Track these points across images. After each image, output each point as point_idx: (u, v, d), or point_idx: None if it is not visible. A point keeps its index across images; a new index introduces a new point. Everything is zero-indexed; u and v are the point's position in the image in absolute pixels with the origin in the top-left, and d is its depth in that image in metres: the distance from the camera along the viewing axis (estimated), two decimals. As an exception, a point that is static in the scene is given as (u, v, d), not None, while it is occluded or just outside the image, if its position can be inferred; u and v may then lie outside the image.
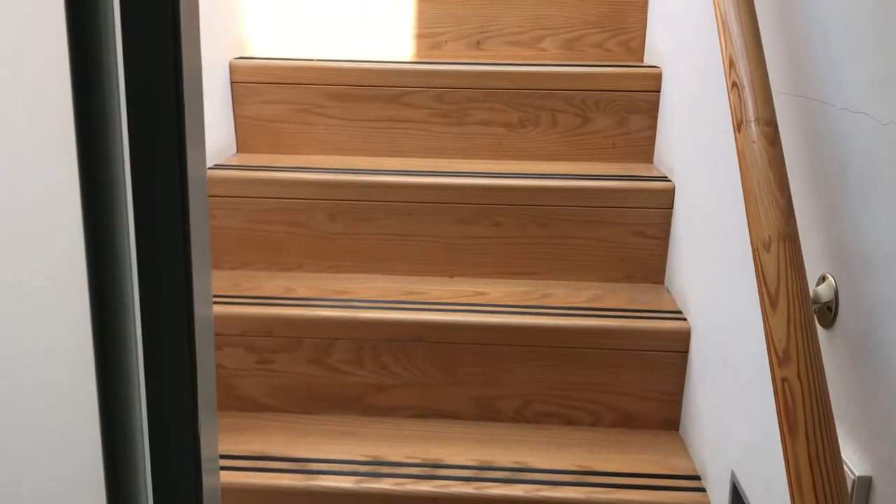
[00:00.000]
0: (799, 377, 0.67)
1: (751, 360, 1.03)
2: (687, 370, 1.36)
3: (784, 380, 0.68)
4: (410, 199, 1.53)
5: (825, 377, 0.68)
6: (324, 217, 1.55)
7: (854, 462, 0.73)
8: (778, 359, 0.69)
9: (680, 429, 1.39)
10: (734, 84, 0.84)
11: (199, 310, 0.48)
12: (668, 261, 1.53)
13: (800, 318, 0.70)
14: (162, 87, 0.45)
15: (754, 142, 0.79)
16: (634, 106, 1.67)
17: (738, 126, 0.82)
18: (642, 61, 1.88)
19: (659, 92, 1.65)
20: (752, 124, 0.80)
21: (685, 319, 1.37)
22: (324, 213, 1.54)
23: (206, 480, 0.50)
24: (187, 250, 0.46)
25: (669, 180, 1.52)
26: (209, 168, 1.56)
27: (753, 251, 0.76)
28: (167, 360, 0.47)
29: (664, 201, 1.51)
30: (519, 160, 1.71)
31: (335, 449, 1.30)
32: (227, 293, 1.46)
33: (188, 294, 0.46)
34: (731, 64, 0.86)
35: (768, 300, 0.72)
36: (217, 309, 1.39)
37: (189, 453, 0.48)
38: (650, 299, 1.47)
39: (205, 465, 0.50)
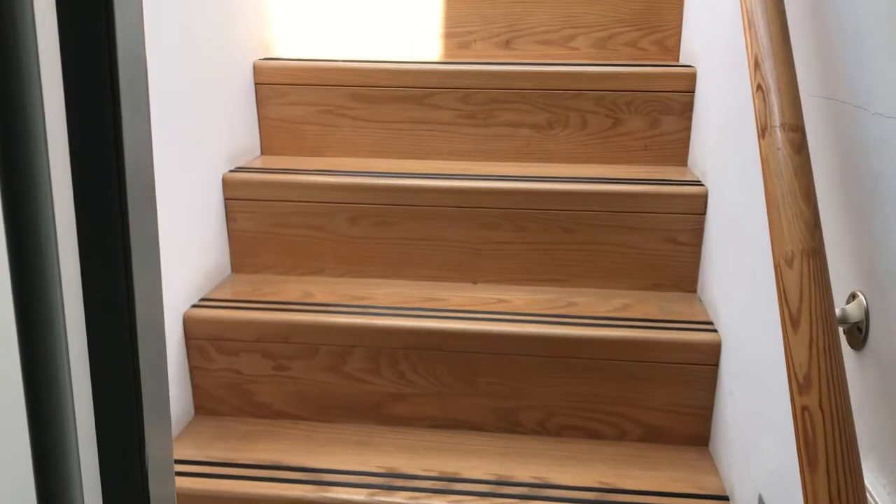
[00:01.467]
0: (821, 406, 0.62)
1: (780, 378, 0.97)
2: (717, 384, 1.30)
3: (804, 408, 0.63)
4: (433, 202, 1.49)
5: (850, 406, 0.62)
6: (344, 221, 1.52)
7: (883, 498, 0.67)
8: (798, 384, 0.64)
9: (709, 445, 1.33)
10: (759, 87, 0.79)
11: (142, 310, 0.45)
12: (701, 269, 1.47)
13: (823, 342, 0.64)
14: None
15: (779, 149, 0.74)
16: (668, 107, 1.60)
17: (763, 132, 0.77)
18: (678, 61, 1.82)
19: (693, 92, 1.59)
20: (777, 130, 0.75)
21: (716, 331, 1.31)
22: (344, 216, 1.51)
23: (157, 489, 0.47)
24: (127, 246, 0.42)
25: (702, 185, 1.46)
26: (231, 171, 1.54)
27: (775, 266, 0.70)
28: (106, 364, 0.44)
29: (697, 207, 1.44)
30: (547, 163, 1.66)
31: (350, 459, 1.27)
32: (245, 298, 1.44)
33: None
34: (757, 65, 0.80)
35: (789, 320, 0.66)
36: (234, 314, 1.37)
37: (133, 460, 0.45)
38: (680, 309, 1.41)
39: (154, 473, 0.47)
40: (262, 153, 1.72)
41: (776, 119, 0.75)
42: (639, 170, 1.60)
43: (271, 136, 1.71)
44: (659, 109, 1.61)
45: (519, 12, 1.83)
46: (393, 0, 1.85)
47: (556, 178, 1.50)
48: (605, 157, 1.65)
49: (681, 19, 1.79)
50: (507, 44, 1.85)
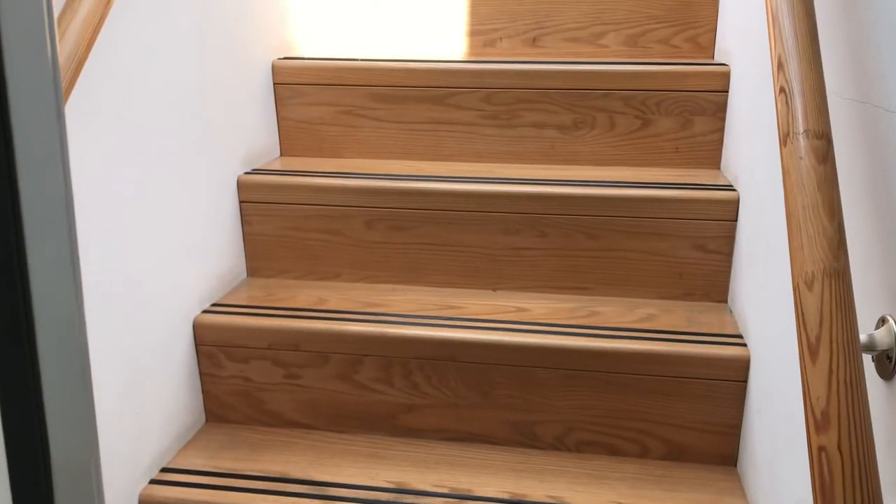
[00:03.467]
0: (839, 447, 0.56)
1: (808, 402, 0.90)
2: (746, 401, 1.23)
3: (821, 448, 0.56)
4: (451, 206, 1.44)
5: (873, 449, 0.56)
6: (361, 225, 1.48)
7: (912, 547, 0.61)
8: (815, 421, 0.58)
9: (738, 465, 1.26)
10: (782, 89, 0.72)
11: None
12: (732, 278, 1.40)
13: (845, 374, 0.58)
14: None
15: (801, 158, 0.67)
16: (700, 107, 1.53)
17: (784, 139, 0.70)
18: (712, 59, 1.74)
19: (727, 92, 1.51)
20: (801, 137, 0.68)
21: (745, 345, 1.24)
22: (360, 220, 1.47)
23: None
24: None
25: (734, 190, 1.39)
26: (246, 173, 1.51)
27: (794, 288, 0.64)
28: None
29: (728, 213, 1.37)
30: (572, 165, 1.60)
31: (359, 472, 1.23)
32: (257, 303, 1.40)
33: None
34: (780, 66, 0.74)
35: (807, 349, 0.60)
36: (245, 321, 1.34)
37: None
38: (709, 321, 1.34)
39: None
40: (281, 154, 1.69)
41: (799, 125, 0.69)
42: (669, 173, 1.53)
43: (290, 137, 1.68)
44: (691, 110, 1.54)
45: (547, 9, 1.77)
46: (417, -3, 1.81)
47: (579, 182, 1.44)
48: (634, 160, 1.59)
49: (716, 15, 1.72)
50: (534, 41, 1.79)
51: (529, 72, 1.57)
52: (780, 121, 0.72)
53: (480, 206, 1.44)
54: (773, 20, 0.77)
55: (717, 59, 1.71)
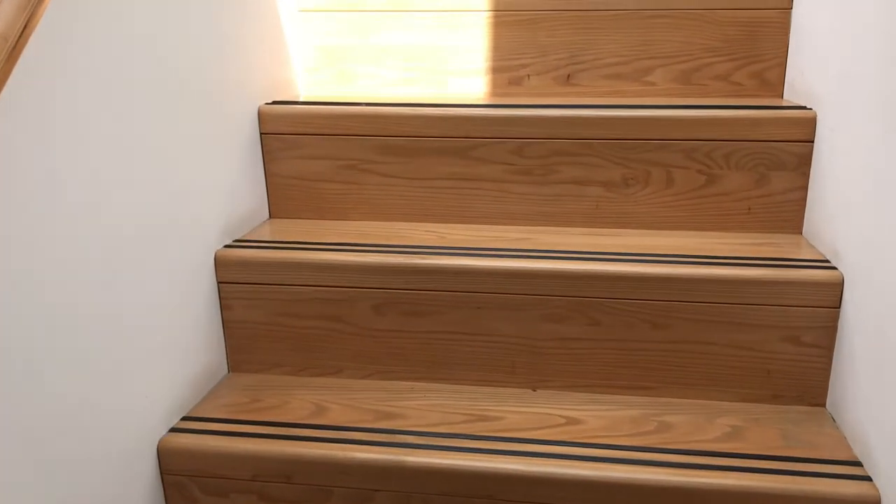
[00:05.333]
0: None
1: None
2: (872, 552, 0.95)
3: None
4: (481, 287, 1.17)
5: None
6: (368, 309, 1.20)
7: None
8: None
9: None
10: None
11: None
12: (833, 377, 1.12)
13: None
14: None
15: None
16: (777, 160, 1.26)
17: None
18: (781, 97, 1.47)
19: (812, 142, 1.24)
20: None
21: (869, 478, 0.96)
22: (368, 303, 1.20)
23: None
24: None
25: (834, 268, 1.11)
26: (226, 246, 1.24)
27: None
28: None
29: (828, 298, 1.10)
30: (622, 228, 1.33)
31: None
32: (239, 416, 1.12)
33: None
34: None
35: None
36: (224, 443, 1.06)
37: None
38: (810, 437, 1.06)
39: None
40: (270, 216, 1.41)
41: None
42: (743, 241, 1.26)
43: (282, 197, 1.40)
44: (766, 163, 1.26)
45: (582, 40, 1.50)
46: (428, 29, 1.54)
47: (637, 256, 1.17)
48: (697, 223, 1.31)
49: (786, 46, 1.45)
50: (567, 79, 1.52)
51: (568, 118, 1.30)
52: None
53: (517, 286, 1.16)
54: None
55: (788, 97, 1.44)
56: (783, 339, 1.12)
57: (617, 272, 1.13)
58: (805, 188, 1.27)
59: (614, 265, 1.14)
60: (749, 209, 1.29)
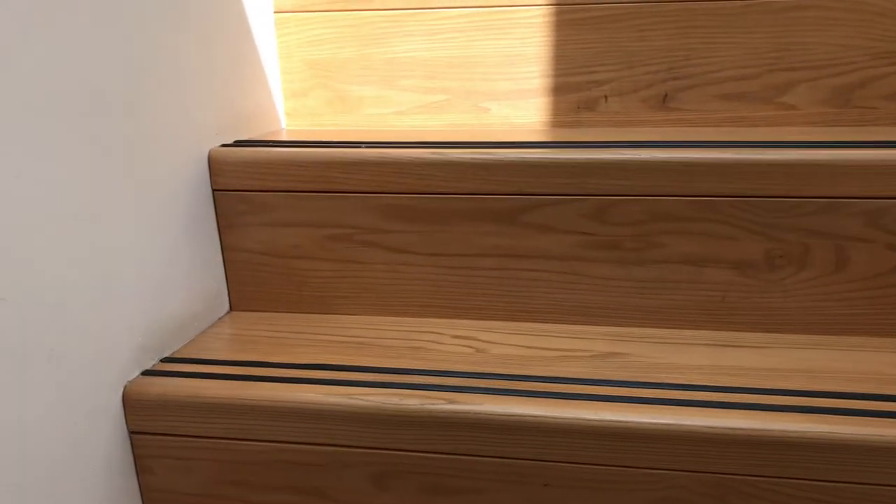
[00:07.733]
0: None
1: None
2: None
3: None
4: (548, 453, 0.70)
5: None
6: (364, 482, 0.74)
7: None
8: None
9: None
10: None
11: None
12: None
13: None
14: None
15: None
16: None
17: None
18: None
19: None
20: None
21: None
22: (364, 472, 0.74)
23: None
24: None
25: None
26: (144, 373, 0.79)
27: None
28: None
29: None
30: (765, 333, 0.85)
31: None
32: None
33: None
34: None
35: None
36: None
37: None
38: None
39: None
40: (231, 309, 0.96)
41: None
42: (971, 361, 0.77)
43: (246, 281, 0.95)
44: None
45: (686, 46, 1.03)
46: (459, 33, 1.08)
47: (794, 396, 0.70)
48: (887, 326, 0.83)
49: None
50: (664, 100, 1.05)
51: (675, 164, 0.83)
52: None
53: (607, 456, 0.70)
54: None
55: None
56: None
57: (764, 433, 0.66)
58: None
59: (760, 417, 0.67)
60: (973, 306, 0.81)
